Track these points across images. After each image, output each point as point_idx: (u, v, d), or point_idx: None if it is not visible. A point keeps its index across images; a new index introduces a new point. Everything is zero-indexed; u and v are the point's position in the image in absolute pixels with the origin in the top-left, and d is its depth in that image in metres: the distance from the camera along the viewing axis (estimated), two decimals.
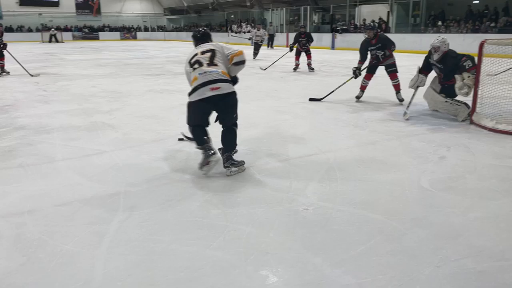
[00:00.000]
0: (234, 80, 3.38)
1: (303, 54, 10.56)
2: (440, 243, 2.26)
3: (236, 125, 3.42)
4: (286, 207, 2.73)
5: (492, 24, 15.22)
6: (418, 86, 5.34)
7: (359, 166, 3.54)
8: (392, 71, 6.24)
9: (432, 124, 4.86)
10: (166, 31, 38.96)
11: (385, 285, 1.92)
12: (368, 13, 20.70)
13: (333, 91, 6.31)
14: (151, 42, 32.97)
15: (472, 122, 4.78)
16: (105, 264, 2.10)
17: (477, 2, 17.13)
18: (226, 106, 3.28)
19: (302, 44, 10.42)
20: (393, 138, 4.37)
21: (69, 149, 4.06)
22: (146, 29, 39.79)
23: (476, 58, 4.77)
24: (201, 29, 3.62)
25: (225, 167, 3.32)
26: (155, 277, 2.00)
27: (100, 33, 36.36)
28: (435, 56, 5.13)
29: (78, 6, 37.38)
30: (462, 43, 13.11)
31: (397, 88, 6.24)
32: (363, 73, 6.42)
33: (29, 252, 2.21)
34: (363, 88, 6.46)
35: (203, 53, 3.30)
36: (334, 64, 10.24)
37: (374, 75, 6.40)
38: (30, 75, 9.57)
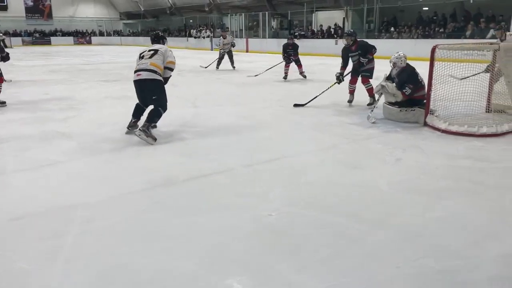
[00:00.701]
0: (164, 79, 4.50)
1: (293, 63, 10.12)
2: (400, 244, 2.32)
3: (161, 106, 4.43)
4: (250, 214, 2.72)
5: (441, 30, 15.97)
6: (382, 93, 5.51)
7: (320, 170, 3.59)
8: (365, 76, 6.36)
9: (388, 127, 5.01)
10: (123, 36, 38.05)
11: None
12: (325, 19, 21.15)
13: (316, 97, 6.35)
14: (106, 47, 32.09)
15: (425, 124, 4.98)
16: (61, 281, 2.00)
17: (427, 9, 17.92)
18: (148, 89, 4.41)
19: (290, 54, 10.00)
20: (352, 141, 4.47)
21: (21, 160, 3.86)
22: (101, 34, 38.66)
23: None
24: (155, 32, 5.06)
25: (138, 129, 4.26)
26: None
27: (52, 38, 34.96)
28: (394, 71, 5.39)
29: (28, 10, 35.75)
30: (414, 48, 13.67)
31: (370, 92, 6.37)
32: (348, 78, 6.52)
33: None
34: (351, 92, 6.61)
35: (149, 51, 4.48)
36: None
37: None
38: (4, 80, 8.98)
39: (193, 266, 2.12)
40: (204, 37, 26.49)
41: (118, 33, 39.00)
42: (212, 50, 23.83)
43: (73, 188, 3.18)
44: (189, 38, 27.97)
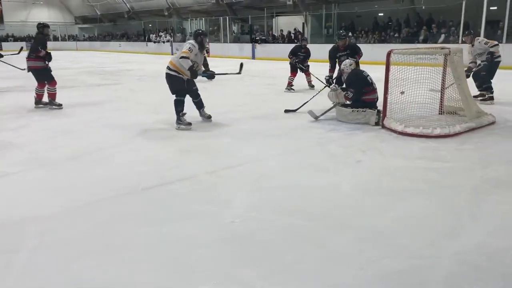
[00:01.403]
0: (190, 71, 5.09)
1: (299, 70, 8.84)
2: (363, 245, 2.35)
3: (175, 95, 5.22)
4: (214, 221, 2.68)
5: (396, 35, 16.55)
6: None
7: (284, 174, 3.60)
8: None
9: (348, 130, 5.12)
10: (78, 40, 36.92)
11: None
12: (285, 24, 21.43)
13: (307, 102, 6.34)
14: (61, 52, 30.87)
15: (383, 127, 5.12)
16: None
17: (382, 14, 18.53)
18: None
19: (300, 60, 8.68)
20: (314, 145, 4.52)
21: None
22: (55, 39, 37.26)
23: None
24: (197, 30, 5.42)
25: (176, 123, 5.20)
26: None
27: (3, 44, 33.38)
28: (344, 76, 5.72)
29: None
30: (371, 52, 14.06)
31: None
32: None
33: None
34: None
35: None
36: (255, 74, 10.39)
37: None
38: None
39: (157, 277, 2.06)
40: (164, 42, 26.13)
41: (73, 37, 37.79)
42: (172, 54, 23.52)
43: (26, 200, 3.02)
44: (149, 43, 27.50)
